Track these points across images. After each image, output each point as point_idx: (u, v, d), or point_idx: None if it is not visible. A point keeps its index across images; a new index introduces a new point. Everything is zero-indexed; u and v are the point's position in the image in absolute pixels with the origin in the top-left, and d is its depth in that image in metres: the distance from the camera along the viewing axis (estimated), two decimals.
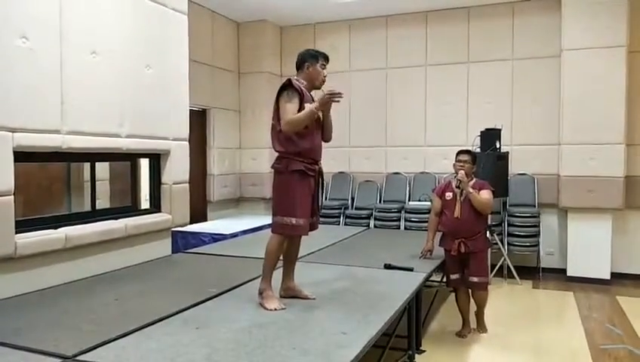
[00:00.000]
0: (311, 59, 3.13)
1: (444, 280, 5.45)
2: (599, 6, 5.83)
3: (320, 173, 3.18)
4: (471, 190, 4.06)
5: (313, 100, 3.11)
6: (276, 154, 3.09)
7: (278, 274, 3.18)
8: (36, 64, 3.29)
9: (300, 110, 2.98)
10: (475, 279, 4.15)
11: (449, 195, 4.19)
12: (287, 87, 3.02)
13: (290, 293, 3.19)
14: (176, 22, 4.55)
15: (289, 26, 7.73)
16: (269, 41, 7.53)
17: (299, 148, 3.00)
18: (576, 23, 5.96)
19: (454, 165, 4.18)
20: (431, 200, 6.68)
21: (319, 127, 3.16)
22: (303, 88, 3.06)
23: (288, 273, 3.24)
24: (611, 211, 5.98)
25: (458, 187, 4.13)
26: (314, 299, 3.16)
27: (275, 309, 2.93)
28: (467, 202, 4.09)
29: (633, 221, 6.21)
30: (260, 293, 3.05)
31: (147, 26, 4.23)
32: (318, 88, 3.19)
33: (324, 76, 3.17)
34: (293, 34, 7.70)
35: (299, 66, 3.17)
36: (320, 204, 3.23)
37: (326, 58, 3.18)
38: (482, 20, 6.75)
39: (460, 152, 4.24)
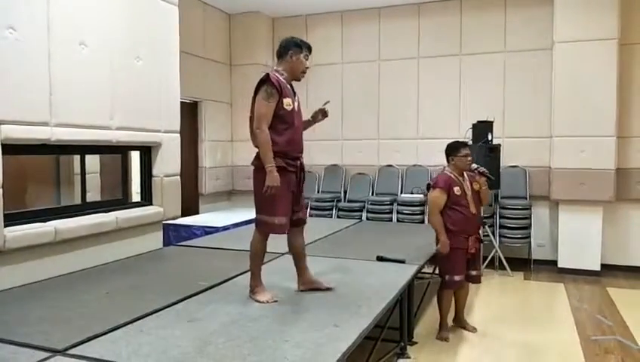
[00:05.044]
0: (295, 48, 3.02)
1: (436, 272, 5.48)
2: None
3: (301, 168, 3.09)
4: (485, 185, 4.04)
5: (294, 93, 3.03)
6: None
7: (267, 269, 3.17)
8: (23, 55, 3.24)
9: (278, 106, 2.90)
10: (479, 272, 4.19)
11: (458, 190, 3.92)
12: (265, 82, 2.91)
13: (309, 286, 3.16)
14: (167, 13, 4.50)
15: (281, 18, 7.68)
16: (260, 32, 7.48)
17: (278, 146, 2.90)
18: (569, 15, 5.96)
19: (459, 159, 3.96)
20: (424, 194, 6.72)
21: (300, 122, 3.08)
22: (282, 82, 2.95)
23: (301, 267, 3.19)
24: (602, 203, 6.02)
25: (491, 179, 4.12)
26: (333, 288, 3.13)
27: (268, 301, 2.93)
28: (475, 196, 4.00)
29: (624, 213, 6.25)
30: (251, 290, 3.03)
31: (137, 17, 4.18)
32: (299, 80, 3.09)
33: (307, 67, 3.07)
34: (285, 25, 7.65)
35: (281, 54, 3.05)
36: (302, 199, 3.14)
37: (309, 49, 3.07)
38: (475, 12, 6.74)
39: (461, 145, 4.04)
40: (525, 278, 6.05)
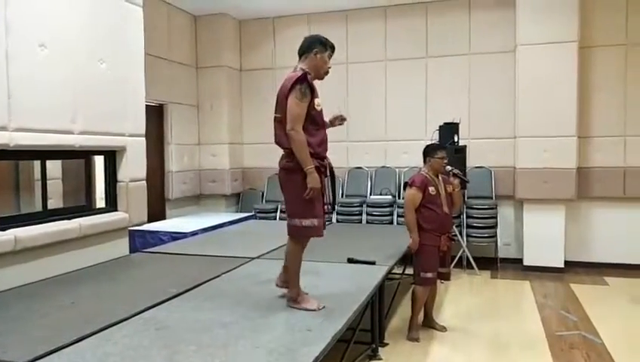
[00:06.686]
0: (320, 46, 2.91)
1: (406, 272, 5.52)
2: (552, 2, 5.99)
3: (330, 167, 3.03)
4: (458, 187, 4.22)
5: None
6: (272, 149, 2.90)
7: (236, 273, 3.13)
8: None
9: (309, 106, 2.81)
10: (448, 269, 4.30)
11: (433, 190, 4.04)
12: (302, 81, 2.77)
13: (287, 285, 3.08)
14: (131, 14, 4.39)
15: (248, 20, 7.62)
16: (227, 34, 7.41)
17: (310, 147, 2.80)
18: (530, 18, 6.11)
19: (436, 161, 4.07)
20: (393, 195, 6.78)
21: (323, 121, 3.03)
22: (313, 83, 2.85)
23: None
24: (564, 202, 6.18)
25: (466, 181, 4.48)
26: (307, 294, 3.07)
27: (319, 308, 2.83)
28: (448, 198, 4.14)
29: (585, 211, 6.44)
30: (294, 300, 2.90)
31: (100, 18, 4.07)
32: (321, 79, 2.99)
33: (329, 67, 2.98)
34: (252, 28, 7.61)
35: (304, 51, 2.93)
36: (332, 199, 3.09)
37: (333, 49, 2.98)
38: (440, 15, 6.83)
39: (439, 148, 4.20)
40: (492, 277, 6.16)
